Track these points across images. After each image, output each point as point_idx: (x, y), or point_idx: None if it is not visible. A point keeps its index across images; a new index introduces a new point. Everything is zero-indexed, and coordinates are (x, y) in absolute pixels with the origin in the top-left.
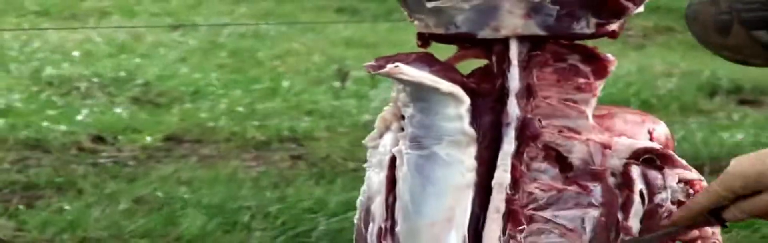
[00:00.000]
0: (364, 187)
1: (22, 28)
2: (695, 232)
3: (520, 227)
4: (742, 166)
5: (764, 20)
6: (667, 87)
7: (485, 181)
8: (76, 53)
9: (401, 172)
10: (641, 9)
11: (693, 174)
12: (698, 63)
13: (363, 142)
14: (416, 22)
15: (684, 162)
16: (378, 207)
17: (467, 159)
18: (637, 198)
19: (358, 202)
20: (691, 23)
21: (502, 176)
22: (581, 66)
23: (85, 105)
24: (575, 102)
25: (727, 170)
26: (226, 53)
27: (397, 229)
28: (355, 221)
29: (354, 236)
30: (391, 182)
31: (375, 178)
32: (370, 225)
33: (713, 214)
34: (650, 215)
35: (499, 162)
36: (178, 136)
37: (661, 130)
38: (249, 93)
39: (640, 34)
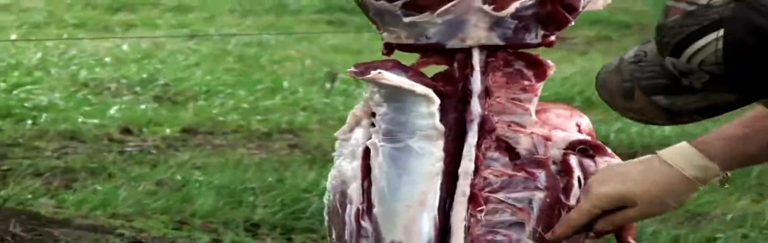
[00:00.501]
0: (333, 172)
1: (61, 38)
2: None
3: (480, 208)
4: (606, 188)
5: (661, 86)
6: None
7: (451, 169)
8: (107, 59)
9: (376, 162)
10: (573, 23)
11: (618, 161)
12: None
13: (335, 134)
14: (385, 34)
15: (610, 150)
16: (354, 191)
17: (437, 151)
18: (576, 183)
19: (328, 186)
20: (601, 90)
21: (467, 165)
22: (525, 70)
23: (114, 102)
24: (520, 101)
25: (592, 192)
26: (233, 59)
27: (375, 210)
28: (326, 201)
29: (326, 215)
30: (366, 170)
31: (347, 166)
32: (348, 206)
33: (585, 227)
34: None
35: (465, 153)
36: (193, 129)
37: (586, 122)
38: (253, 92)
39: (583, 42)
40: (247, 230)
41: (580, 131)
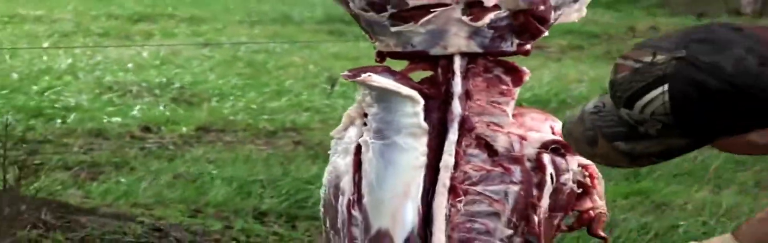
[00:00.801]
0: (329, 168)
1: (88, 46)
2: (588, 203)
3: (459, 198)
4: None
5: (620, 134)
6: (578, 90)
7: (434, 164)
8: (129, 65)
9: (366, 157)
10: (547, 33)
11: (585, 160)
12: (602, 72)
13: (331, 133)
14: (377, 43)
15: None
16: (346, 184)
17: (420, 146)
18: (548, 178)
19: (324, 181)
20: (567, 138)
21: (447, 159)
22: (503, 76)
23: (135, 103)
24: (499, 103)
25: None
26: (243, 65)
27: (364, 200)
28: (322, 195)
29: (321, 207)
30: (357, 164)
31: (341, 161)
32: (340, 198)
33: None
34: (557, 191)
35: (446, 149)
36: (206, 127)
37: (559, 125)
38: (260, 94)
39: (557, 50)
40: (255, 218)
41: (553, 133)
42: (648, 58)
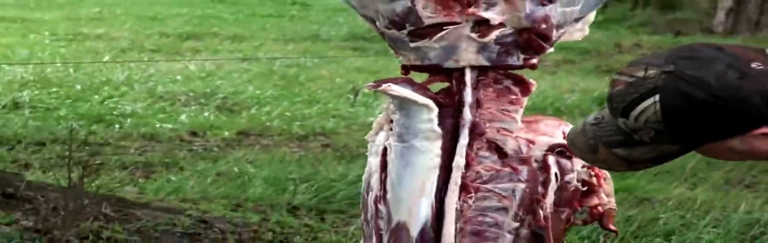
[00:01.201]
0: (366, 168)
1: (142, 60)
2: (595, 200)
3: (470, 195)
4: None
5: (618, 141)
6: (571, 99)
7: (447, 164)
8: (178, 77)
9: (390, 158)
10: (552, 49)
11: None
12: (592, 84)
13: (365, 137)
14: (401, 58)
15: None
16: (375, 181)
17: (435, 149)
18: (553, 178)
19: (363, 179)
20: (572, 147)
21: (458, 160)
22: (513, 87)
23: (184, 111)
24: (508, 111)
25: None
26: (277, 77)
27: (388, 196)
28: (362, 192)
29: (361, 202)
30: (383, 165)
31: (373, 161)
32: (370, 193)
33: None
34: (562, 188)
35: (458, 151)
36: (246, 132)
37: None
38: (293, 103)
39: (553, 64)
40: (288, 212)
41: (564, 137)
42: (640, 74)
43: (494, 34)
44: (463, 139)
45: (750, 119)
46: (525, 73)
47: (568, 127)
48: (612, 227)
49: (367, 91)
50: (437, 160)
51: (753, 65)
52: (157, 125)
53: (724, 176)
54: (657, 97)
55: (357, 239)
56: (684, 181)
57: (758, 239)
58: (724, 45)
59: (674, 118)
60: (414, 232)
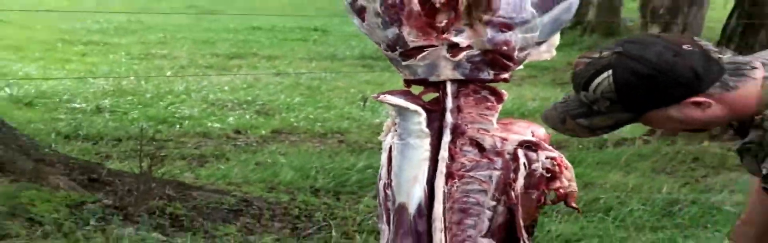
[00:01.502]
0: (382, 156)
1: (197, 75)
2: (558, 184)
3: (456, 181)
4: None
5: (581, 113)
6: (533, 105)
7: (435, 156)
8: (226, 88)
9: (394, 153)
10: (521, 66)
11: (555, 153)
12: (548, 94)
13: (379, 138)
14: (400, 73)
15: (549, 147)
16: (383, 172)
17: (425, 145)
18: (522, 167)
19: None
20: (546, 122)
21: (443, 154)
22: (489, 96)
23: (230, 114)
24: (486, 115)
25: None
26: (303, 88)
27: (392, 183)
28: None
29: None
30: (389, 159)
31: (383, 157)
32: (380, 182)
33: None
34: (530, 175)
35: (442, 147)
36: (279, 130)
37: (541, 131)
38: (316, 109)
39: (519, 78)
40: (311, 193)
41: (533, 136)
42: (596, 55)
43: (463, 55)
44: (446, 137)
45: (683, 90)
46: (500, 86)
47: (538, 129)
48: (574, 205)
49: (374, 99)
50: (427, 154)
51: (684, 47)
52: (209, 125)
53: (651, 166)
54: (610, 72)
55: (365, 215)
56: (619, 169)
57: (675, 214)
58: (662, 34)
59: (624, 89)
60: (411, 210)
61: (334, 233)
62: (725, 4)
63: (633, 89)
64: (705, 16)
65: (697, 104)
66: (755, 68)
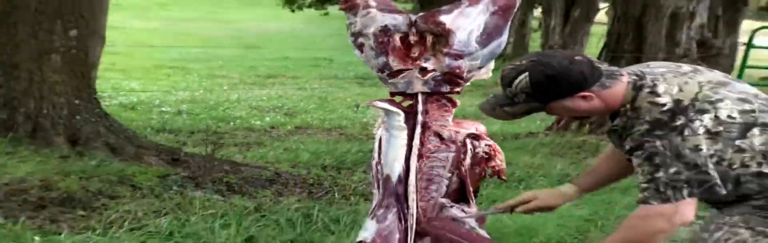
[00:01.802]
0: (374, 144)
1: (245, 89)
2: (493, 163)
3: (423, 160)
4: (528, 193)
5: (506, 103)
6: (471, 110)
7: (410, 143)
8: (264, 98)
9: (382, 141)
10: (468, 83)
11: (491, 142)
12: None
13: (373, 131)
14: (386, 87)
15: (487, 137)
16: (375, 154)
17: (403, 136)
18: (469, 151)
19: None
20: (482, 110)
21: (416, 142)
22: (447, 103)
23: (267, 115)
24: (445, 116)
25: (521, 195)
26: (316, 98)
27: (381, 161)
28: (370, 161)
29: (369, 167)
30: (380, 145)
31: (376, 144)
32: (373, 161)
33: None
34: (474, 156)
35: (415, 137)
36: (300, 126)
37: (482, 127)
38: (325, 112)
39: (463, 91)
40: (321, 168)
41: (476, 130)
42: (517, 63)
43: (430, 75)
44: (418, 130)
45: (575, 87)
46: (454, 96)
47: (480, 126)
48: (503, 178)
49: (363, 105)
50: (405, 142)
51: (576, 58)
52: (252, 122)
53: (549, 151)
54: (526, 74)
55: (358, 184)
56: (528, 153)
57: (565, 183)
58: (561, 50)
59: (535, 86)
60: (394, 179)
61: (336, 196)
62: (598, 44)
63: (541, 86)
64: (584, 51)
65: (584, 97)
66: (622, 75)
